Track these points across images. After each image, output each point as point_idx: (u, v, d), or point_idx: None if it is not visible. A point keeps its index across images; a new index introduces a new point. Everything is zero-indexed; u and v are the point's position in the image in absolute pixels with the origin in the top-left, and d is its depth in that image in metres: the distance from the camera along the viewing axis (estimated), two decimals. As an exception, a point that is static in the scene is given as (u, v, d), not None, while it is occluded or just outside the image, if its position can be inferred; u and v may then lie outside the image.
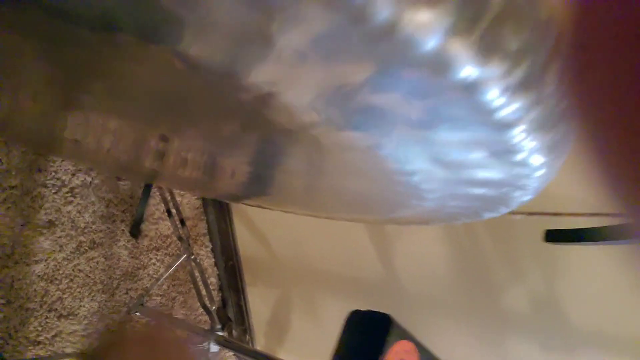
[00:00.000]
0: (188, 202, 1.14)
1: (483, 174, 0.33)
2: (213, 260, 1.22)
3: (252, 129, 0.37)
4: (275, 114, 0.30)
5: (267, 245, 1.18)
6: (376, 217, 0.54)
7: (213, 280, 1.22)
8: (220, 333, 0.85)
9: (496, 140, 0.28)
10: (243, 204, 0.66)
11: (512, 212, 0.39)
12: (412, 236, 0.97)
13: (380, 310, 0.50)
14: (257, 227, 1.18)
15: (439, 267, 0.94)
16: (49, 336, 0.88)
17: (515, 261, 0.87)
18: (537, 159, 0.30)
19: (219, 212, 1.18)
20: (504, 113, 0.25)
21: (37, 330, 0.87)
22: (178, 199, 1.12)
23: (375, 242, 1.01)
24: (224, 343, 0.82)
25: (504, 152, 0.29)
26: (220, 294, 1.24)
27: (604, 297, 0.78)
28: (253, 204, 0.65)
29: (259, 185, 0.51)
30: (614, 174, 0.11)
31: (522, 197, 0.36)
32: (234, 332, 1.24)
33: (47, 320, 0.88)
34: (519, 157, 0.29)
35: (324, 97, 0.27)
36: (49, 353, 0.88)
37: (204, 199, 1.16)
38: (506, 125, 0.26)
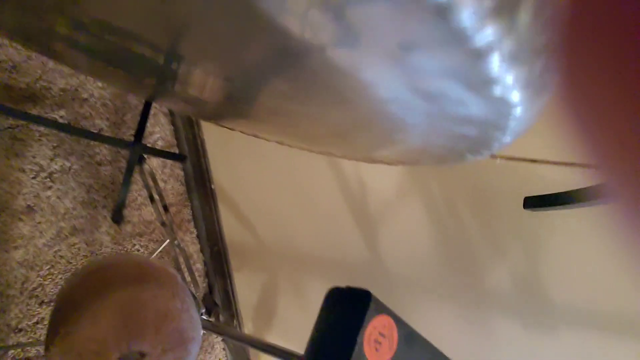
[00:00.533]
0: (172, 187, 1.13)
1: (462, 109, 0.33)
2: (199, 246, 1.21)
3: (249, 42, 0.36)
4: (272, 27, 0.30)
5: (253, 230, 1.17)
6: (366, 152, 0.54)
7: (199, 266, 1.22)
8: (205, 317, 0.84)
9: (471, 70, 0.27)
10: (239, 129, 0.66)
11: (493, 156, 0.40)
12: (396, 218, 0.97)
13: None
14: (242, 212, 1.18)
15: (422, 248, 0.95)
16: (30, 323, 0.87)
17: (497, 240, 0.88)
18: (515, 95, 0.30)
19: (203, 198, 1.17)
20: (477, 39, 0.24)
21: (18, 317, 0.85)
22: (161, 184, 1.11)
23: (360, 224, 1.01)
24: (209, 327, 0.82)
25: (480, 84, 0.29)
26: (206, 280, 1.23)
27: (585, 274, 0.79)
28: (248, 132, 0.65)
29: (244, 102, 0.51)
30: (589, 131, 0.11)
31: (503, 138, 0.36)
32: (221, 318, 1.24)
33: (28, 307, 0.87)
34: (496, 91, 0.29)
35: (315, 9, 0.27)
36: (30, 340, 0.87)
37: (188, 185, 1.15)
38: (480, 53, 0.26)
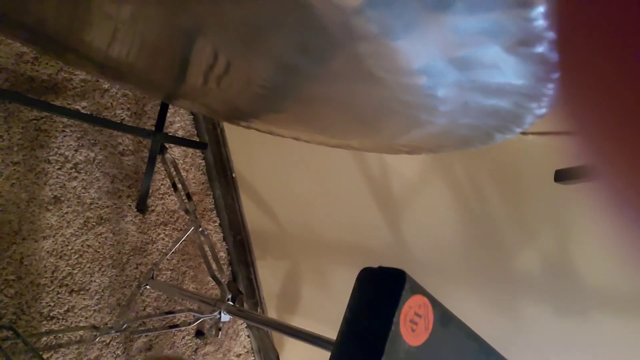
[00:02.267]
0: (193, 177, 1.13)
1: (497, 77, 0.31)
2: (222, 235, 1.22)
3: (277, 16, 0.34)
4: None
5: (275, 218, 1.17)
6: (388, 141, 0.52)
7: (222, 254, 1.22)
8: (231, 303, 0.85)
9: (515, 24, 0.25)
10: (255, 128, 0.64)
11: (524, 132, 0.37)
12: (418, 201, 0.95)
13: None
14: (263, 200, 1.17)
15: (448, 232, 0.93)
16: (61, 311, 0.89)
17: (525, 222, 0.85)
18: (556, 55, 0.28)
19: (225, 187, 1.17)
20: None
21: (49, 305, 0.87)
22: (183, 174, 1.11)
23: (383, 208, 1.00)
24: (235, 312, 0.82)
25: (521, 43, 0.27)
26: (230, 268, 1.24)
27: (617, 255, 0.76)
28: (264, 128, 0.64)
29: (276, 98, 0.49)
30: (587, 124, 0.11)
31: (538, 110, 0.34)
32: (245, 305, 1.24)
33: (58, 295, 0.89)
34: (538, 49, 0.27)
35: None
36: (62, 327, 0.88)
37: (209, 174, 1.15)
38: (526, 3, 0.24)
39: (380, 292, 0.46)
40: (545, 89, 0.31)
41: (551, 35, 0.25)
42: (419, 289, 0.45)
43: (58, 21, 0.47)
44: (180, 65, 0.51)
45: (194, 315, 0.86)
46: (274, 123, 0.62)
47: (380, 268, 0.47)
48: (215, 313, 0.83)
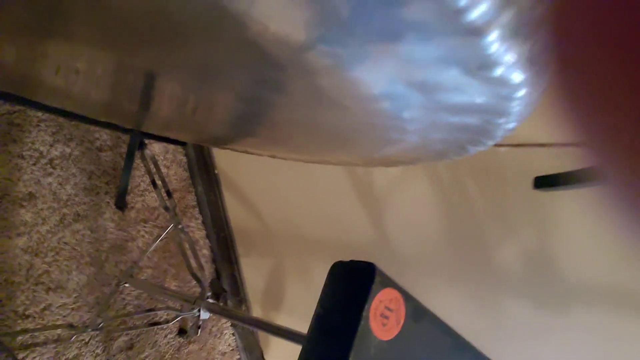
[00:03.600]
0: (175, 173, 1.12)
1: (461, 97, 0.31)
2: (204, 232, 1.20)
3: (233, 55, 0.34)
4: (259, 40, 0.28)
5: (258, 214, 1.16)
6: (363, 157, 0.52)
7: (205, 252, 1.21)
8: (211, 300, 0.83)
9: (468, 51, 0.25)
10: (229, 148, 0.64)
11: (498, 145, 0.37)
12: (401, 197, 0.95)
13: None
14: (247, 197, 1.16)
15: (430, 228, 0.93)
16: (37, 309, 0.87)
17: (506, 217, 0.85)
18: (517, 76, 0.27)
19: (207, 184, 1.15)
20: (472, 15, 0.22)
21: (24, 304, 0.85)
22: (164, 170, 1.09)
23: (365, 205, 0.99)
24: (214, 309, 0.81)
25: (478, 67, 0.26)
26: (213, 266, 1.23)
27: (597, 249, 0.76)
28: (239, 149, 0.63)
29: (244, 124, 0.49)
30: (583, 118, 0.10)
31: (506, 125, 0.33)
32: (229, 303, 1.23)
33: (34, 293, 0.87)
34: (496, 72, 0.26)
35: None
36: (38, 326, 0.86)
37: (191, 170, 1.14)
38: (477, 31, 0.23)
39: (350, 286, 0.45)
40: (510, 107, 0.31)
41: (510, 57, 0.25)
42: (390, 283, 0.44)
43: (18, 65, 0.47)
44: (144, 101, 0.50)
45: (174, 313, 0.85)
46: (249, 146, 0.62)
47: (351, 262, 0.46)
48: (195, 311, 0.82)
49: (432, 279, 0.94)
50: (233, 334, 1.28)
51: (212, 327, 1.22)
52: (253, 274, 1.22)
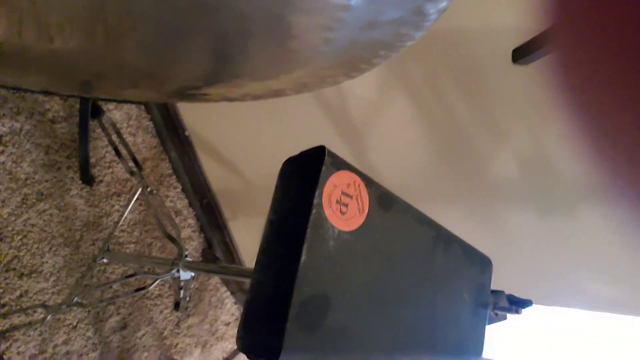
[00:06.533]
0: (142, 141, 1.05)
1: None
2: (186, 201, 1.14)
3: None
4: None
5: (239, 173, 1.09)
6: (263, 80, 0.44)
7: (191, 221, 1.15)
8: (189, 259, 0.77)
9: None
10: (192, 96, 0.57)
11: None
12: (381, 123, 0.87)
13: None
14: (223, 156, 1.09)
15: (415, 151, 0.85)
16: (13, 297, 0.82)
17: (493, 122, 0.77)
18: None
19: (179, 148, 1.08)
20: None
21: (-3, 292, 0.80)
22: (130, 138, 1.03)
23: (346, 140, 0.92)
24: (193, 267, 0.75)
25: None
26: (202, 235, 1.17)
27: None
28: (216, 95, 0.56)
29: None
30: None
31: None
32: (225, 272, 1.17)
33: (6, 280, 0.81)
34: None
35: None
36: (18, 314, 0.81)
37: (160, 135, 1.07)
38: None
39: (300, 179, 0.38)
40: None
41: None
42: (344, 165, 0.37)
43: None
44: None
45: (153, 278, 0.79)
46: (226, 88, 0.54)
47: (300, 153, 0.39)
48: (173, 271, 0.76)
49: (428, 205, 0.87)
50: (235, 303, 1.23)
51: (211, 297, 1.17)
52: (244, 236, 1.16)
